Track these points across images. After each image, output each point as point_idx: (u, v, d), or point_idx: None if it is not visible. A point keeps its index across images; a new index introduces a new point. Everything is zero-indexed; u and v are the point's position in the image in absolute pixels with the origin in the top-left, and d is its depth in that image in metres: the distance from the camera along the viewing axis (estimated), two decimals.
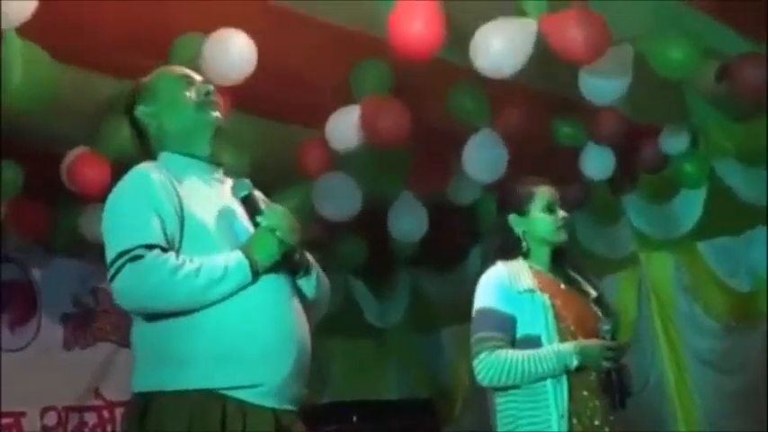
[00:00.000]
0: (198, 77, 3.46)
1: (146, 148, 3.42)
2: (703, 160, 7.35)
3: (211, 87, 3.42)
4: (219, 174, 3.41)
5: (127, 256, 2.98)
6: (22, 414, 7.18)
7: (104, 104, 5.72)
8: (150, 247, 3.00)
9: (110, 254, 3.05)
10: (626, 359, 4.05)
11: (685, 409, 7.68)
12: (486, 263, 4.26)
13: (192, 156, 3.34)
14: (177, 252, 3.07)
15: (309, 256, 3.41)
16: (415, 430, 8.74)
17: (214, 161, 3.40)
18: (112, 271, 3.02)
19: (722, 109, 6.91)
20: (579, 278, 4.27)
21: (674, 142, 7.16)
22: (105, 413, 7.66)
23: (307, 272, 3.36)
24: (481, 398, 7.88)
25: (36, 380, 7.19)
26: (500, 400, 4.06)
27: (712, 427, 7.53)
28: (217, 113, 3.39)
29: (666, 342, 7.84)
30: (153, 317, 3.08)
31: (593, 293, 4.19)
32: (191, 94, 3.36)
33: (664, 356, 7.83)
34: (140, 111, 3.39)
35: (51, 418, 7.36)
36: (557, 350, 3.91)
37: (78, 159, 5.99)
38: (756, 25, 5.76)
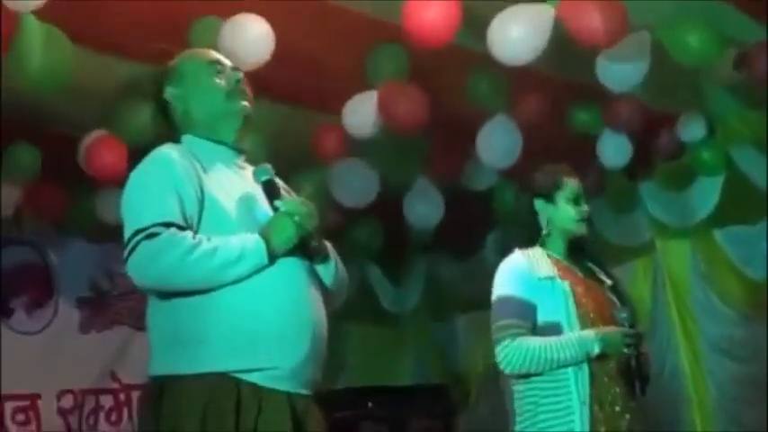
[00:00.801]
0: (228, 63, 3.45)
1: (168, 129, 3.43)
2: (720, 148, 7.32)
3: (241, 75, 3.42)
4: (241, 159, 3.42)
5: (143, 234, 2.99)
6: (39, 396, 7.22)
7: (122, 88, 5.73)
8: (167, 225, 3.01)
9: (127, 231, 3.06)
10: (645, 346, 4.06)
11: (700, 395, 7.67)
12: (503, 248, 4.27)
13: (216, 141, 3.36)
14: (195, 233, 3.07)
15: (329, 245, 3.42)
16: (429, 416, 8.76)
17: (237, 147, 3.41)
18: (129, 248, 3.03)
19: (740, 97, 6.89)
20: (594, 267, 4.27)
21: (691, 130, 7.14)
22: (121, 396, 7.71)
23: (325, 259, 3.36)
24: (496, 384, 7.90)
25: (52, 363, 7.24)
26: (521, 387, 4.07)
27: (726, 415, 7.53)
28: (246, 103, 3.39)
29: (682, 329, 7.83)
30: (168, 299, 3.09)
31: (609, 282, 4.20)
32: (221, 81, 3.36)
33: (679, 344, 7.82)
34: (169, 92, 3.39)
35: (68, 401, 7.41)
36: (578, 337, 3.92)
37: (96, 143, 6.01)
38: None
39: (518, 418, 4.05)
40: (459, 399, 9.15)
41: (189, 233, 3.04)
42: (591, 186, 7.14)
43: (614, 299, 4.11)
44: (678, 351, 7.83)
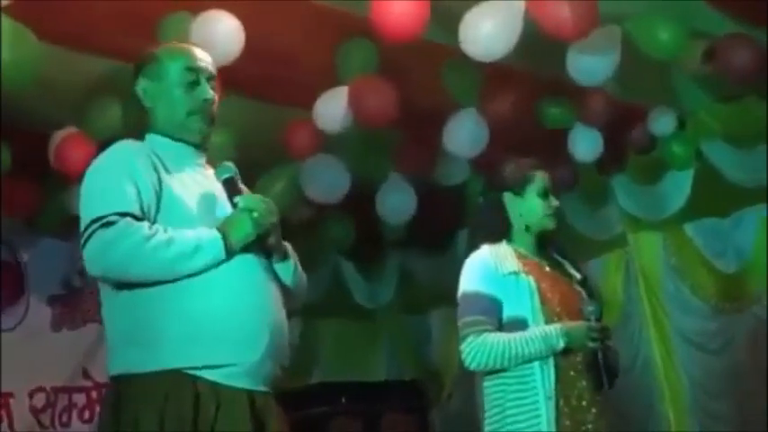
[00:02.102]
0: (209, 70, 3.40)
1: (140, 117, 3.42)
2: (691, 142, 7.36)
3: (211, 95, 3.36)
4: (204, 159, 3.41)
5: (99, 222, 3.00)
6: (11, 395, 7.18)
7: (92, 84, 5.71)
8: (123, 214, 3.01)
9: (84, 220, 3.07)
10: (613, 340, 4.06)
11: (673, 389, 7.70)
12: (472, 244, 4.26)
13: (179, 140, 3.34)
14: (152, 225, 3.07)
15: (289, 247, 3.41)
16: (403, 411, 8.76)
17: (200, 147, 3.40)
18: (85, 236, 3.03)
19: (709, 90, 6.93)
20: (563, 261, 4.28)
21: (661, 124, 7.18)
22: (94, 394, 7.67)
23: (284, 258, 3.36)
24: (469, 379, 7.91)
25: (24, 361, 7.18)
26: (488, 384, 4.07)
27: (698, 407, 7.55)
28: (204, 126, 3.36)
29: (654, 323, 7.86)
30: (124, 295, 3.08)
31: (578, 276, 4.20)
32: (189, 96, 3.33)
33: (651, 337, 7.84)
34: (140, 85, 3.37)
35: (40, 400, 7.37)
36: (543, 332, 3.92)
37: (66, 140, 6.00)
38: (743, 6, 5.76)
39: (487, 414, 4.05)
40: (432, 394, 9.16)
41: (145, 223, 3.04)
42: (562, 180, 7.20)
43: (583, 293, 4.11)
44: (650, 344, 7.86)
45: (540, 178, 4.24)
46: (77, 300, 7.74)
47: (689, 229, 7.69)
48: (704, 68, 6.13)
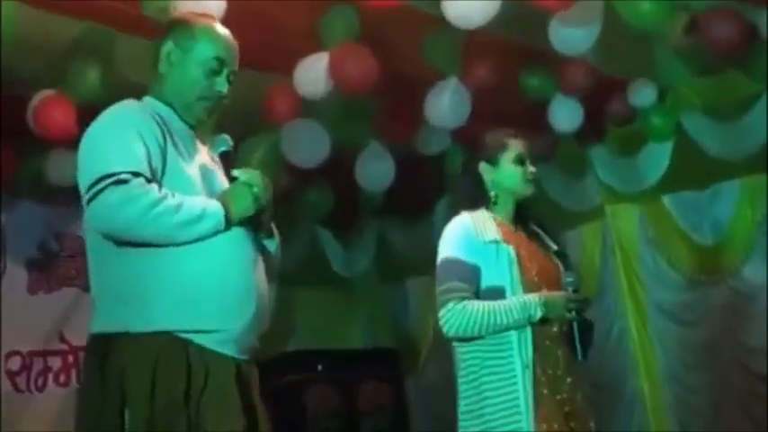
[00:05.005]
0: (231, 64, 3.41)
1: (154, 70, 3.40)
2: (671, 114, 7.37)
3: (225, 90, 3.38)
4: (193, 134, 3.41)
5: (113, 179, 2.98)
6: None
7: (71, 47, 5.67)
8: (136, 174, 3.00)
9: (92, 174, 3.03)
10: (589, 311, 4.08)
11: (647, 361, 7.74)
12: (453, 212, 4.28)
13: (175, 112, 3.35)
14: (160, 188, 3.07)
15: (274, 227, 3.43)
16: (379, 380, 8.79)
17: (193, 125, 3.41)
18: (96, 189, 3.00)
19: (690, 63, 6.92)
20: (540, 231, 4.30)
21: (641, 95, 7.18)
22: (70, 358, 7.65)
23: (270, 235, 3.40)
24: (445, 348, 7.93)
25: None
26: (464, 350, 4.09)
27: (673, 380, 7.60)
28: (206, 116, 3.38)
29: (630, 294, 7.89)
30: (119, 256, 3.08)
31: (554, 247, 4.23)
32: (206, 83, 3.34)
33: (627, 308, 7.89)
34: (167, 46, 3.36)
35: (15, 363, 7.35)
36: (521, 301, 3.95)
37: (44, 102, 5.94)
38: None
39: (461, 380, 4.09)
40: (408, 363, 9.18)
41: (155, 186, 3.04)
42: (542, 151, 7.19)
43: (560, 264, 4.14)
44: (626, 316, 7.90)
45: (515, 146, 4.26)
46: (54, 263, 7.71)
47: (667, 201, 7.71)
48: (686, 40, 6.12)
